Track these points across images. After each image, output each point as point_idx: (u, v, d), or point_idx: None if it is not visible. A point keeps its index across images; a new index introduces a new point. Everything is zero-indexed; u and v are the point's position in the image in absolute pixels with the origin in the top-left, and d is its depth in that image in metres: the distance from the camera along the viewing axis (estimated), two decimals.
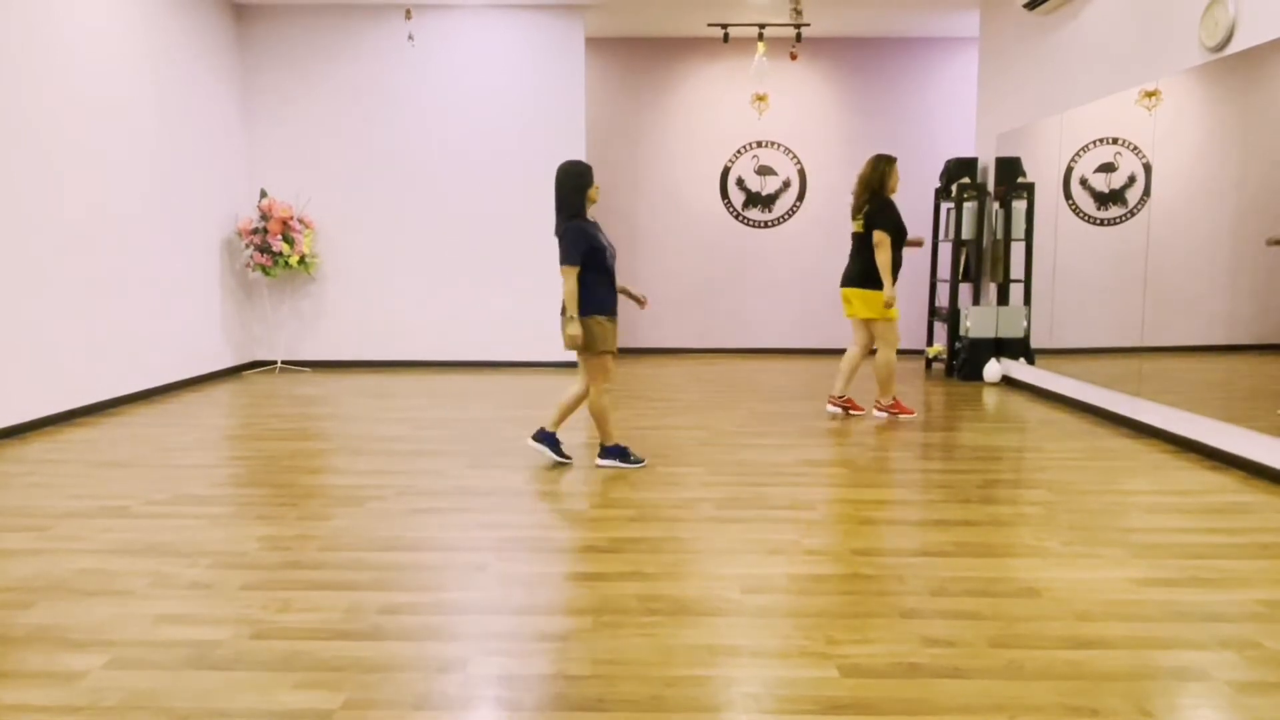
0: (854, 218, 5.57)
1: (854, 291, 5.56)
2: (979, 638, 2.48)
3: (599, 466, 4.42)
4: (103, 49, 5.95)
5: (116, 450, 4.80)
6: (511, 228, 7.99)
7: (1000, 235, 7.17)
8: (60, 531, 3.43)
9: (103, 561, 3.09)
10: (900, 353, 9.03)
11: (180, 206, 6.88)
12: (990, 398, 6.56)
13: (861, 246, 5.52)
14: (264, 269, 7.54)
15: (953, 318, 7.57)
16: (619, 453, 4.43)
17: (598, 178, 8.91)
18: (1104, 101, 5.74)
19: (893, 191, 5.50)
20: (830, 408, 5.77)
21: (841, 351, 9.08)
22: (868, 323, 5.60)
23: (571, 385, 4.45)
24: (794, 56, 8.30)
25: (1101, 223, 5.86)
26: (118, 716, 2.08)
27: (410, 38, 7.43)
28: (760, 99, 8.91)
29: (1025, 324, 6.99)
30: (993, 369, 7.22)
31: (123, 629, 2.53)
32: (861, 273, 5.51)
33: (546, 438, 4.48)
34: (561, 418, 4.46)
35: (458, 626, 2.57)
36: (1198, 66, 4.77)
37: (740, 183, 9.08)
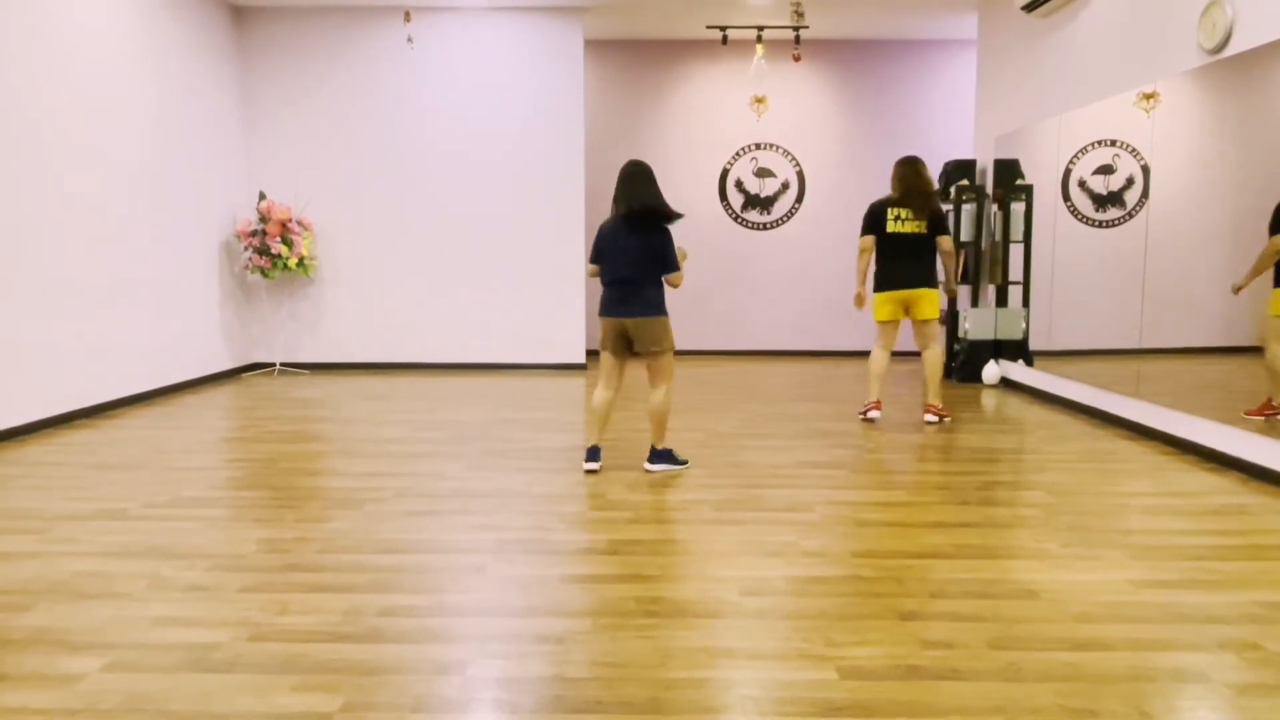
0: (910, 220, 5.38)
1: (925, 292, 5.42)
2: (978, 639, 2.48)
3: (650, 471, 4.35)
4: (101, 51, 5.95)
5: (115, 452, 4.80)
6: (510, 230, 7.99)
7: (999, 237, 7.17)
8: (58, 534, 3.42)
9: (101, 564, 3.09)
10: (899, 354, 9.08)
11: (179, 208, 6.88)
12: (989, 399, 6.57)
13: (923, 248, 5.40)
14: (263, 271, 7.53)
15: (951, 319, 7.57)
16: (669, 456, 4.40)
17: (597, 180, 8.91)
18: (1102, 103, 5.75)
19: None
20: (929, 417, 5.55)
21: (839, 354, 9.10)
22: (926, 323, 5.49)
23: (654, 395, 4.33)
24: (797, 59, 8.29)
25: (1100, 224, 5.86)
26: (116, 719, 2.07)
27: (409, 40, 7.44)
28: (759, 101, 8.92)
29: (1024, 326, 7.00)
30: (991, 371, 7.23)
31: (121, 631, 2.53)
32: (928, 275, 5.43)
33: (661, 455, 4.39)
34: (662, 428, 4.38)
35: (457, 629, 2.56)
36: (1196, 68, 4.78)
37: (739, 185, 9.08)
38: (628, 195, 4.21)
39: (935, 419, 5.56)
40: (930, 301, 5.44)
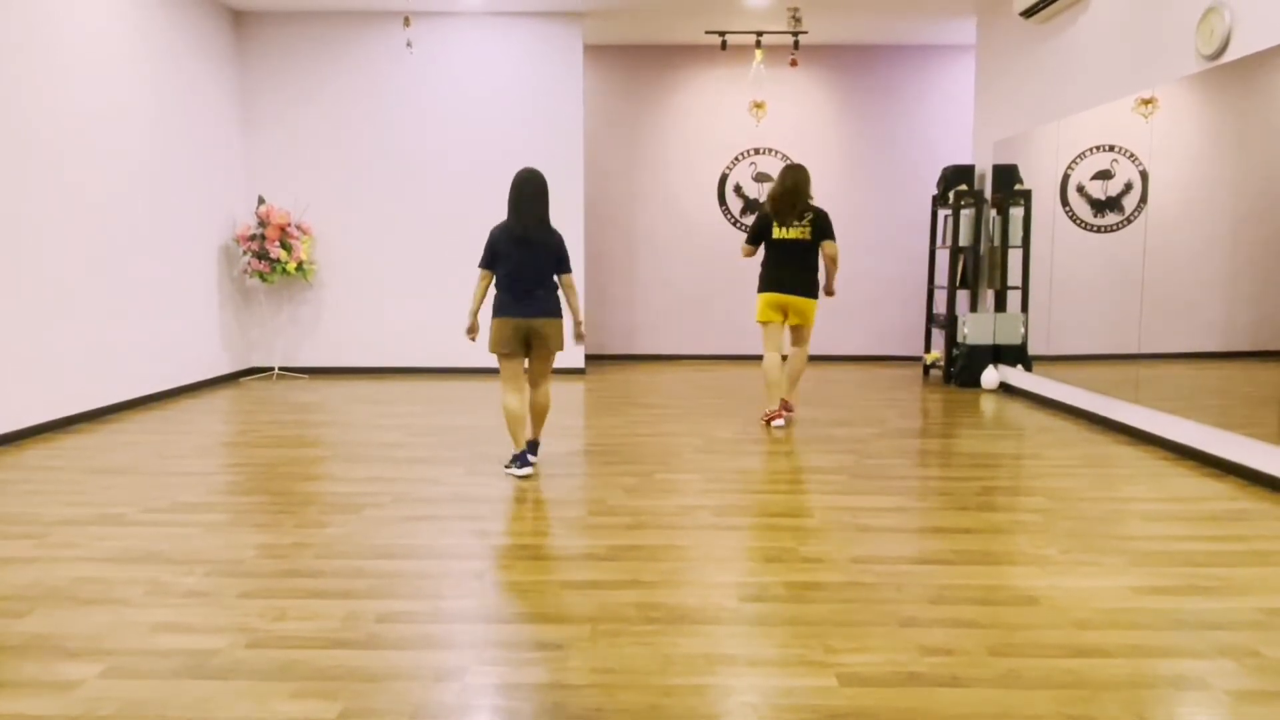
0: (789, 225, 5.48)
1: (808, 302, 5.55)
2: (978, 646, 2.47)
3: (532, 463, 4.45)
4: (101, 54, 5.95)
5: (113, 457, 4.79)
6: None
7: (997, 242, 7.18)
8: (56, 539, 3.41)
9: (99, 569, 3.08)
10: (898, 359, 9.10)
11: (178, 212, 6.88)
12: (988, 404, 6.57)
13: (807, 255, 5.53)
14: (262, 275, 7.53)
15: (950, 324, 7.57)
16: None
17: (597, 184, 8.93)
18: (1101, 109, 5.76)
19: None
20: (780, 421, 5.65)
21: (840, 359, 9.10)
22: (803, 329, 5.63)
23: (540, 392, 4.56)
24: (794, 63, 8.32)
25: (1098, 229, 5.87)
26: None
27: (409, 45, 7.45)
28: (758, 106, 8.93)
29: (1023, 331, 7.00)
30: (990, 376, 7.23)
31: (119, 637, 2.52)
32: (814, 282, 5.57)
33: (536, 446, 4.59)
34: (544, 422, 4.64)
35: (455, 635, 2.56)
36: (1194, 74, 4.79)
37: (738, 189, 9.09)
38: (522, 214, 4.32)
39: (783, 417, 5.69)
40: (810, 310, 5.61)
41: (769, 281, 5.59)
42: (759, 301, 5.63)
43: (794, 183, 5.46)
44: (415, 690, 2.23)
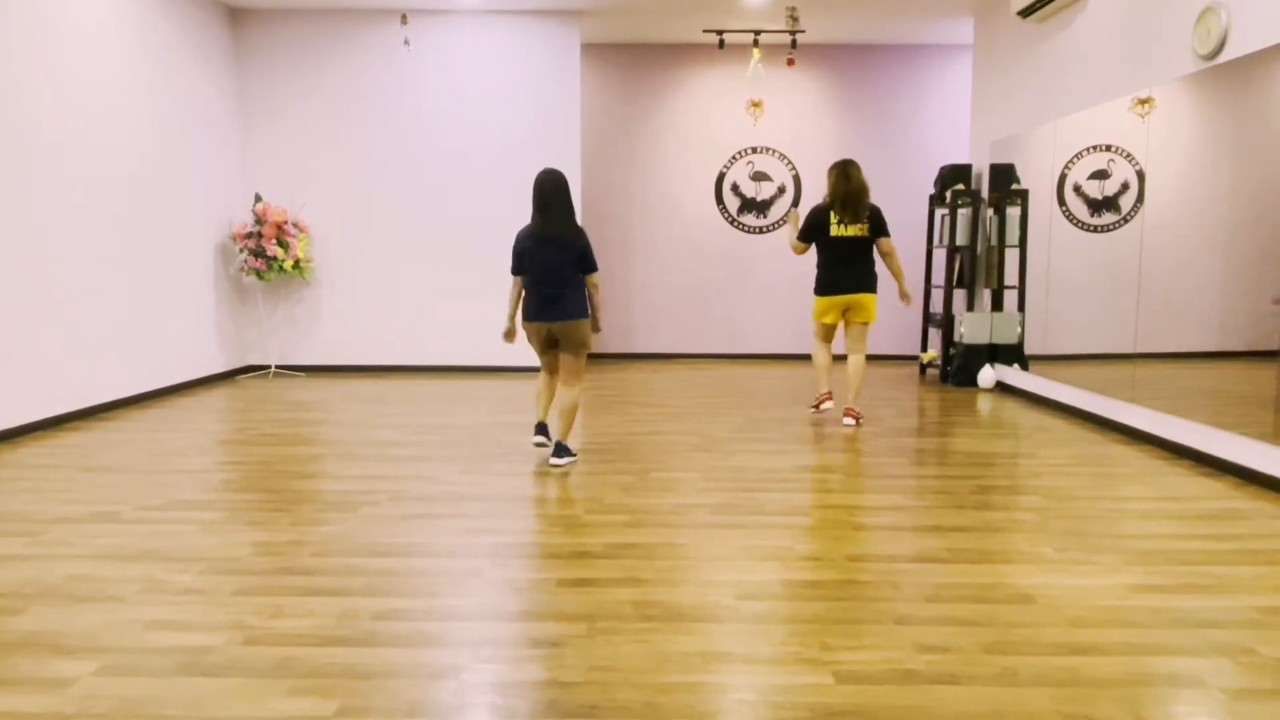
0: (852, 223, 5.49)
1: (871, 297, 5.55)
2: (974, 644, 2.48)
3: (557, 466, 4.54)
4: (97, 53, 5.93)
5: (109, 455, 4.78)
6: (506, 233, 7.96)
7: (994, 242, 7.19)
8: (52, 537, 3.41)
9: (94, 567, 3.07)
10: (895, 358, 9.10)
11: (174, 211, 6.87)
12: (984, 403, 6.57)
13: (866, 252, 5.52)
14: (258, 273, 7.52)
15: (947, 323, 7.58)
16: (568, 449, 4.59)
17: (595, 182, 8.93)
18: (1097, 109, 5.76)
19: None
20: (849, 420, 5.62)
21: (836, 358, 9.08)
22: (865, 326, 5.63)
23: (568, 394, 4.54)
24: (791, 63, 8.32)
25: (1095, 229, 5.88)
26: None
27: (406, 43, 7.44)
28: (755, 105, 8.93)
29: (1019, 330, 7.01)
30: (987, 375, 7.24)
31: (114, 635, 2.52)
32: (873, 276, 5.56)
33: (566, 449, 4.55)
34: (570, 426, 4.61)
35: (451, 633, 2.56)
36: (1191, 74, 4.80)
37: (735, 188, 9.09)
38: (542, 214, 4.45)
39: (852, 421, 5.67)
40: (872, 306, 5.60)
41: (829, 284, 5.59)
42: (817, 304, 5.66)
43: (859, 181, 5.47)
44: (411, 688, 2.23)
